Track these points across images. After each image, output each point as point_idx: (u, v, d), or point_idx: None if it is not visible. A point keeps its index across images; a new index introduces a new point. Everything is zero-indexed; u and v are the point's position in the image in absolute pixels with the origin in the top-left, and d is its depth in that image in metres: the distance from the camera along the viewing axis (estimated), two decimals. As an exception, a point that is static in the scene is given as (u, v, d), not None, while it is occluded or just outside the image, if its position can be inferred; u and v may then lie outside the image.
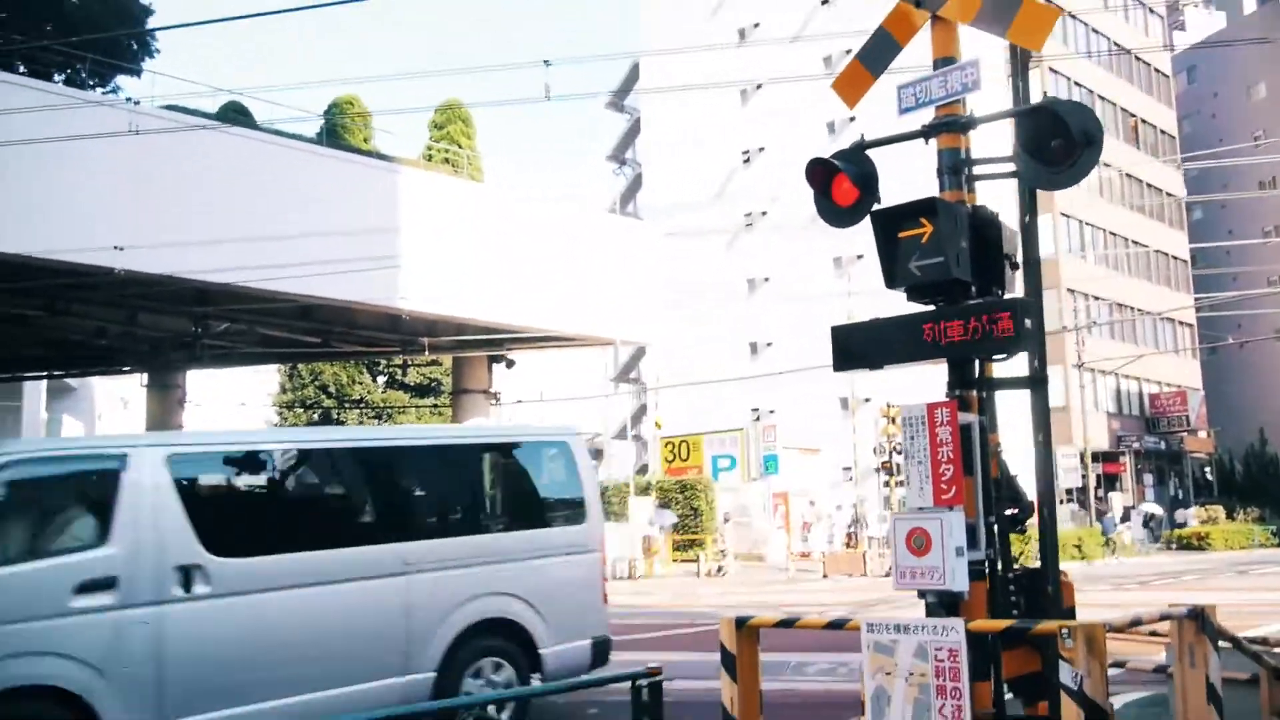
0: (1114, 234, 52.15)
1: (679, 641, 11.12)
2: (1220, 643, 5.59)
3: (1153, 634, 6.51)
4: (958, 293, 5.02)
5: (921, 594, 4.81)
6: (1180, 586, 21.28)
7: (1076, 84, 51.20)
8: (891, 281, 5.15)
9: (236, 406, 40.86)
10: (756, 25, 54.16)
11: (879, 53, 5.60)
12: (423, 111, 44.55)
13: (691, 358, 47.51)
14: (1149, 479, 51.41)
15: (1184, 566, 28.91)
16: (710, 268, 51.02)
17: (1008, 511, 5.41)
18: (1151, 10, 58.26)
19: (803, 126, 46.51)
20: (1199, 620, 4.71)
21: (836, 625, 5.34)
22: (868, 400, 36.93)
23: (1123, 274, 51.49)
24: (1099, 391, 48.90)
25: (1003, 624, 4.58)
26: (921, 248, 4.97)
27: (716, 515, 34.69)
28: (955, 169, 5.23)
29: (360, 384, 41.96)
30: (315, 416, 42.08)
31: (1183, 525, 41.73)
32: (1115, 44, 54.39)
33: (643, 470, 46.67)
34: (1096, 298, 49.91)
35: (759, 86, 50.94)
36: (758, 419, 43.27)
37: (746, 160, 53.44)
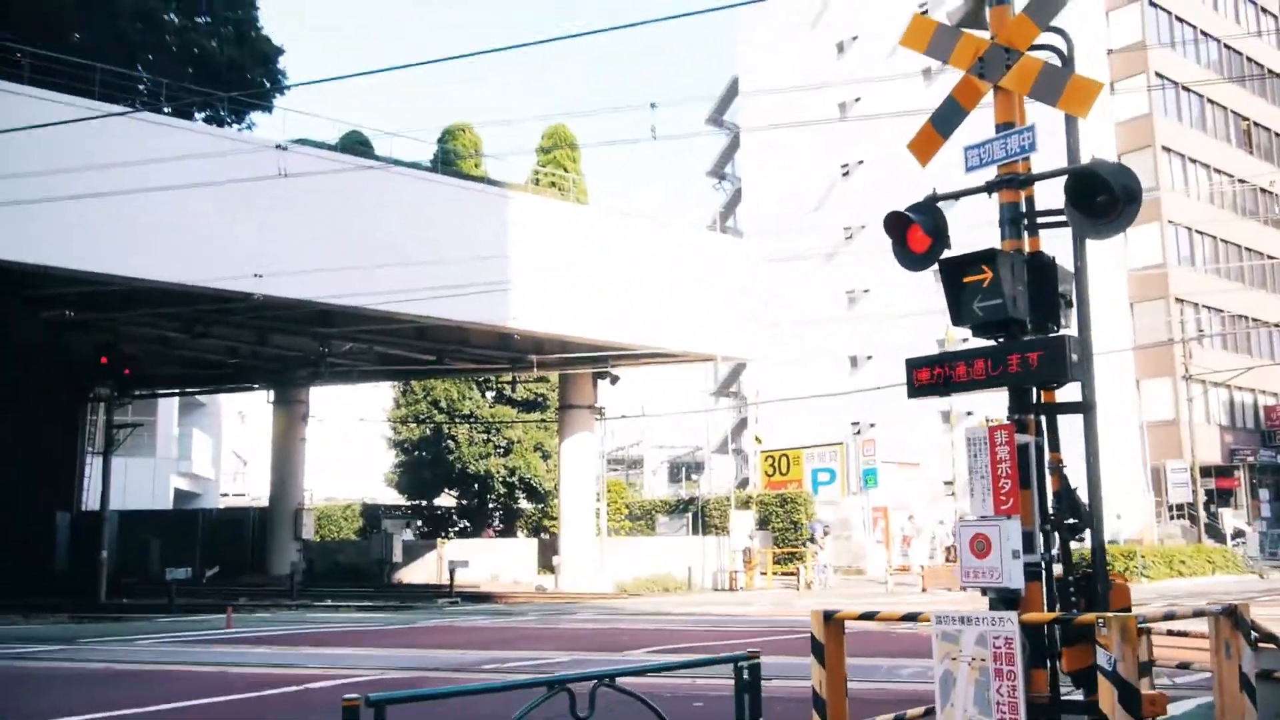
0: (1226, 241, 51.00)
1: (776, 646, 11.86)
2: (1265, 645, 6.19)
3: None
4: (1015, 330, 5.76)
5: (984, 591, 5.56)
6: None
7: (1185, 89, 50.36)
8: (958, 320, 5.91)
9: (355, 421, 42.76)
10: (855, 38, 54.54)
11: (948, 117, 6.37)
12: (530, 136, 46.12)
13: (792, 372, 47.98)
14: (1264, 494, 50.02)
15: (1297, 583, 28.42)
16: (810, 282, 51.47)
17: (1068, 521, 6.08)
18: (1264, 10, 56.82)
19: (902, 139, 46.53)
20: (1233, 617, 5.35)
21: (910, 618, 6.11)
22: (969, 414, 36.99)
23: (1237, 283, 50.26)
24: (1210, 404, 47.88)
25: (1049, 616, 5.31)
26: (983, 291, 5.73)
27: (817, 529, 35.18)
28: (1014, 220, 5.98)
29: (470, 399, 43.48)
30: (428, 431, 43.77)
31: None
32: (1226, 45, 53.30)
33: (743, 484, 47.31)
34: (1208, 308, 48.90)
35: (857, 99, 51.26)
36: (858, 433, 43.57)
37: (845, 173, 53.74)
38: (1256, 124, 54.60)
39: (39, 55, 21.19)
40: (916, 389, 6.07)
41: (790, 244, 47.98)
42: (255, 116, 32.18)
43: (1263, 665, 6.94)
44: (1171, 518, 43.83)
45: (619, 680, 5.01)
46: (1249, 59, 54.13)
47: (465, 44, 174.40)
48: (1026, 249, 6.07)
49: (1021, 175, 5.99)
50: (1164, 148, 48.50)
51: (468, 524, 45.53)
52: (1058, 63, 6.03)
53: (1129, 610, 5.89)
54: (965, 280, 5.82)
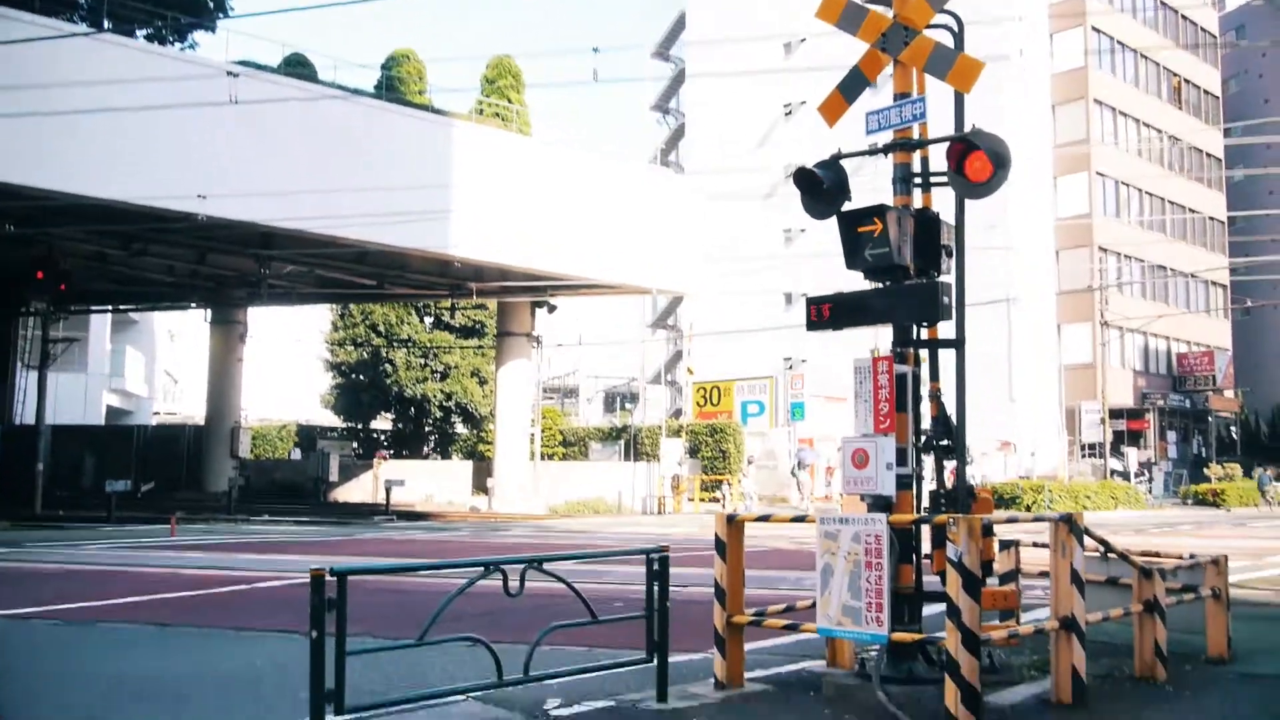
0: (1151, 194, 52.70)
1: (693, 560, 12.82)
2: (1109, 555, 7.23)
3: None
4: (900, 275, 6.63)
5: (862, 497, 6.50)
6: (1171, 534, 22.74)
7: (1119, 43, 51.57)
8: (852, 265, 6.76)
9: (292, 342, 42.90)
10: (801, -22, 54.90)
11: (854, 85, 7.17)
12: (476, 63, 45.96)
13: (728, 306, 48.93)
14: (1172, 436, 52.47)
15: (1188, 519, 30.30)
16: (749, 219, 52.23)
17: (942, 442, 7.02)
18: (1200, -33, 58.09)
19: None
20: (1069, 523, 6.33)
21: (799, 519, 7.05)
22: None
23: (1159, 234, 52.08)
24: (1126, 350, 49.91)
25: (911, 517, 6.26)
26: (874, 240, 6.58)
27: (744, 459, 36.44)
28: (904, 179, 6.82)
29: (408, 324, 43.88)
30: (365, 354, 44.17)
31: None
32: (1162, 2, 54.56)
33: (676, 414, 48.47)
34: (1129, 257, 50.68)
35: (802, 40, 51.66)
36: (790, 368, 44.80)
37: (788, 112, 54.27)
38: (1187, 81, 56.16)
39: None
40: (813, 323, 6.92)
41: (731, 180, 48.63)
42: (198, 36, 31.91)
43: (1109, 573, 8.05)
44: (1084, 456, 45.89)
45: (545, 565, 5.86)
46: (1183, 16, 55.51)
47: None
48: (919, 204, 6.93)
49: (911, 140, 6.82)
50: (1096, 100, 49.79)
51: (405, 451, 46.20)
52: (951, 41, 6.85)
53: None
54: (859, 230, 6.66)
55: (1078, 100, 49.38)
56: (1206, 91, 57.90)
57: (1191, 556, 8.08)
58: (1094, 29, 49.91)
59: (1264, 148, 59.35)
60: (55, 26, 19.98)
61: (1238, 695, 6.79)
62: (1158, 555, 8.19)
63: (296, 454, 45.94)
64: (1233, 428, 57.74)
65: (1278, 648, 8.37)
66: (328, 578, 4.89)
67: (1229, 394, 55.59)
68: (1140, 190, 51.98)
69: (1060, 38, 50.02)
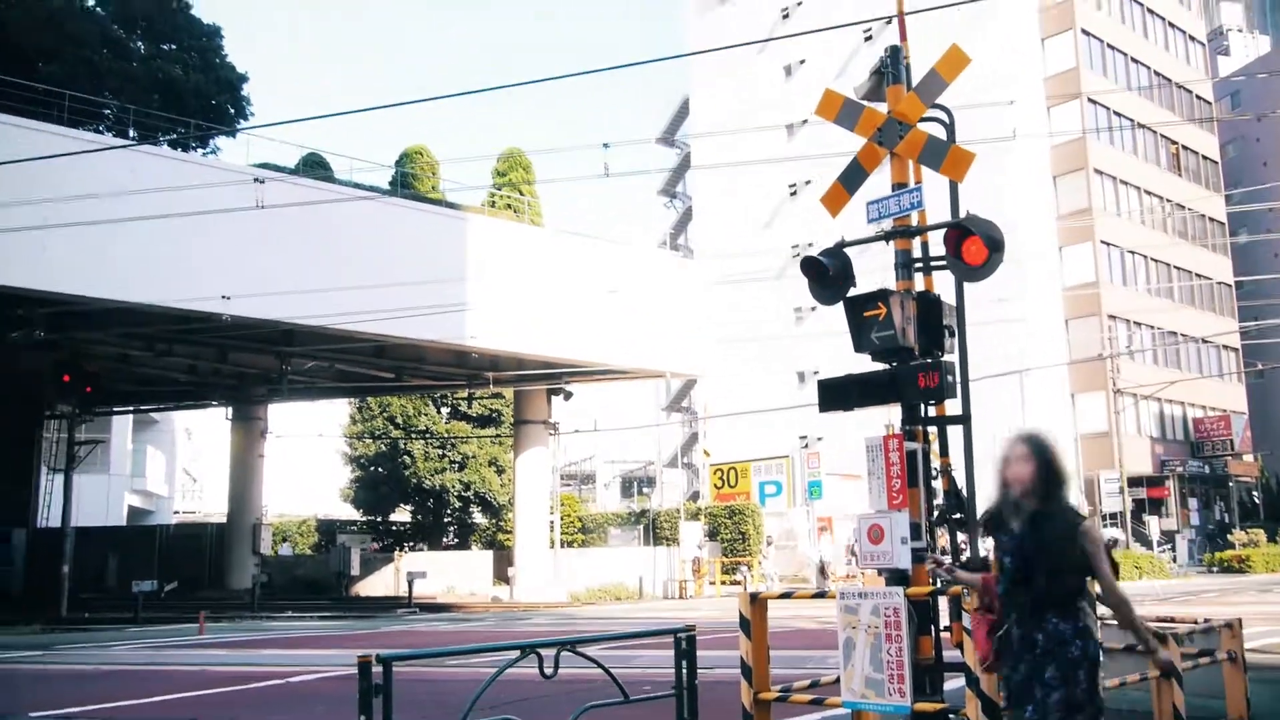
0: (1157, 260, 53.11)
1: (717, 642, 12.93)
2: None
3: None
4: (905, 356, 6.95)
5: (879, 572, 6.73)
6: (1195, 603, 22.62)
7: (1116, 114, 52.49)
8: (859, 348, 7.08)
9: (313, 437, 43.40)
10: (802, 62, 56.19)
11: (853, 176, 7.58)
12: (486, 159, 47.20)
13: (742, 387, 49.22)
14: (1193, 503, 52.09)
15: (1213, 586, 30.08)
16: (759, 299, 52.77)
17: (955, 515, 7.26)
18: (1192, 38, 59.34)
19: (846, 161, 48.19)
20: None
21: (820, 595, 7.27)
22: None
23: (1166, 300, 52.38)
24: (1141, 417, 49.84)
25: (927, 589, 6.48)
26: (879, 323, 6.91)
27: (763, 540, 36.39)
28: (905, 264, 7.18)
29: (426, 415, 44.29)
30: (384, 446, 44.50)
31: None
32: (1156, 73, 55.61)
33: (694, 497, 48.50)
34: (1139, 324, 50.91)
35: (804, 121, 52.72)
36: (805, 446, 44.89)
37: (793, 193, 55.22)
38: (1185, 148, 56.99)
39: (7, 82, 21.89)
40: (824, 405, 7.23)
41: (740, 262, 49.31)
42: (220, 141, 33.02)
43: (1128, 640, 8.18)
44: (1105, 526, 45.58)
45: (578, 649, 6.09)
46: (1178, 85, 56.56)
47: (424, 63, 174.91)
48: (921, 287, 7.28)
49: (911, 228, 7.19)
50: (1096, 170, 50.54)
51: (424, 544, 46.24)
52: (944, 133, 7.26)
53: (1004, 589, 7.09)
54: (865, 315, 7.00)
55: (1078, 171, 50.13)
56: (1205, 157, 58.66)
57: (1205, 620, 8.24)
58: (1090, 101, 50.89)
59: (1266, 212, 59.90)
60: (85, 139, 20.76)
61: (1259, 757, 6.91)
62: (1173, 620, 8.35)
63: (317, 549, 45.98)
64: (1254, 492, 57.26)
65: (1299, 710, 8.46)
66: (374, 665, 5.15)
67: (1248, 458, 55.25)
68: (1146, 257, 52.40)
69: (1058, 111, 50.97)
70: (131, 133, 25.15)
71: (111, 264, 21.88)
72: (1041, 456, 4.64)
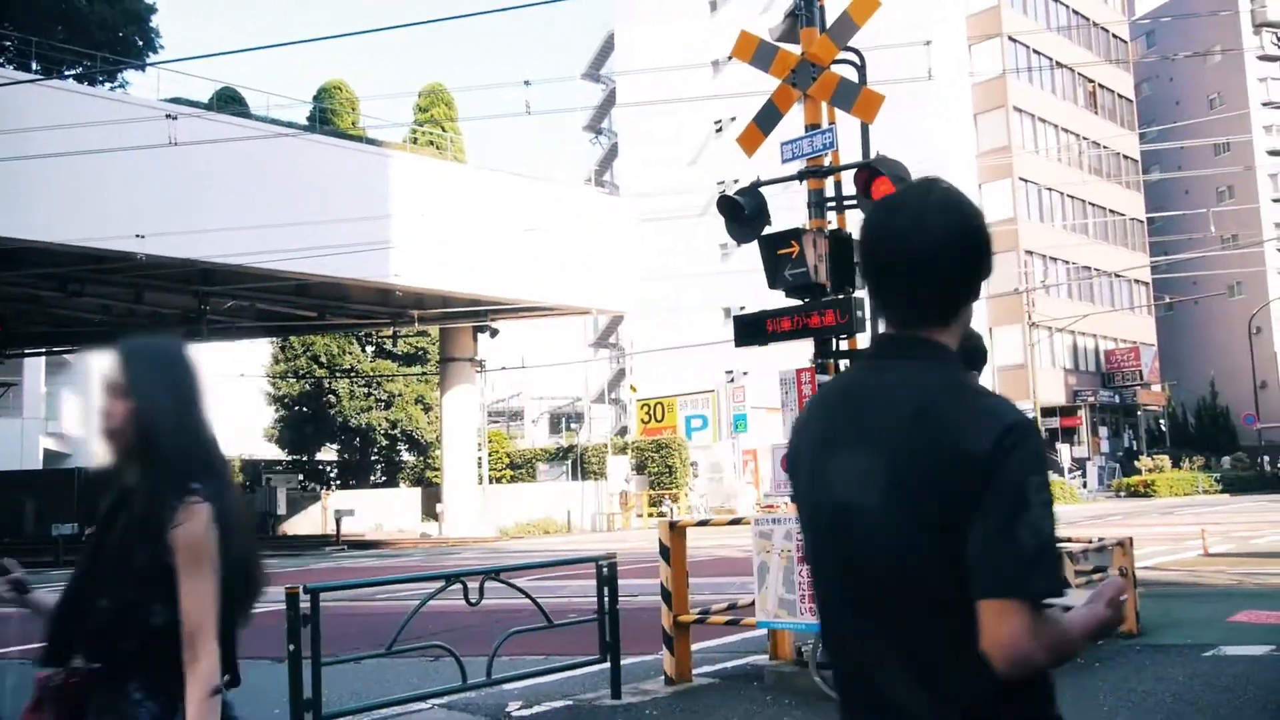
0: (1073, 197, 54.35)
1: (641, 571, 13.29)
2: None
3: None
4: (817, 292, 7.20)
5: (792, 499, 7.05)
6: (1100, 525, 23.63)
7: (1036, 52, 53.24)
8: (773, 284, 7.32)
9: (235, 378, 42.60)
10: (727, -3, 55.92)
11: (769, 117, 7.75)
12: (407, 96, 46.38)
13: (668, 323, 49.54)
14: (1104, 431, 53.99)
15: (1120, 510, 31.39)
16: (685, 235, 52.92)
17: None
18: (1111, -23, 60.21)
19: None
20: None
21: (735, 522, 7.59)
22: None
23: (1082, 235, 53.70)
24: (1056, 349, 51.33)
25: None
26: (792, 261, 7.14)
27: (689, 473, 36.98)
28: (819, 203, 7.41)
29: (350, 354, 43.88)
30: (308, 386, 44.07)
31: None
32: (1075, 12, 56.40)
33: (621, 432, 48.97)
34: (1055, 259, 52.18)
35: (730, 59, 52.40)
36: (731, 381, 45.48)
37: (719, 130, 55.17)
38: (1101, 86, 58.07)
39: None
40: (740, 341, 7.47)
41: (667, 200, 49.31)
42: (129, 75, 31.93)
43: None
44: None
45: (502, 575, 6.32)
46: (1096, 25, 57.46)
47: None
48: (835, 225, 7.52)
49: (823, 168, 7.41)
50: (1015, 108, 51.33)
51: (352, 483, 46.10)
52: (855, 75, 7.46)
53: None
54: (779, 252, 7.22)
55: (998, 109, 50.88)
56: (1121, 96, 59.87)
57: (1100, 540, 8.74)
58: (1011, 39, 51.51)
59: (1177, 149, 61.44)
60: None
61: (1141, 665, 7.41)
62: (1070, 540, 8.84)
63: (241, 489, 45.54)
64: (1161, 421, 59.52)
65: (1182, 622, 9.04)
66: (302, 597, 5.31)
67: (1156, 388, 57.35)
68: (1063, 194, 53.58)
69: (979, 49, 51.52)
70: (34, 66, 24.25)
71: (19, 203, 21.23)
72: None
